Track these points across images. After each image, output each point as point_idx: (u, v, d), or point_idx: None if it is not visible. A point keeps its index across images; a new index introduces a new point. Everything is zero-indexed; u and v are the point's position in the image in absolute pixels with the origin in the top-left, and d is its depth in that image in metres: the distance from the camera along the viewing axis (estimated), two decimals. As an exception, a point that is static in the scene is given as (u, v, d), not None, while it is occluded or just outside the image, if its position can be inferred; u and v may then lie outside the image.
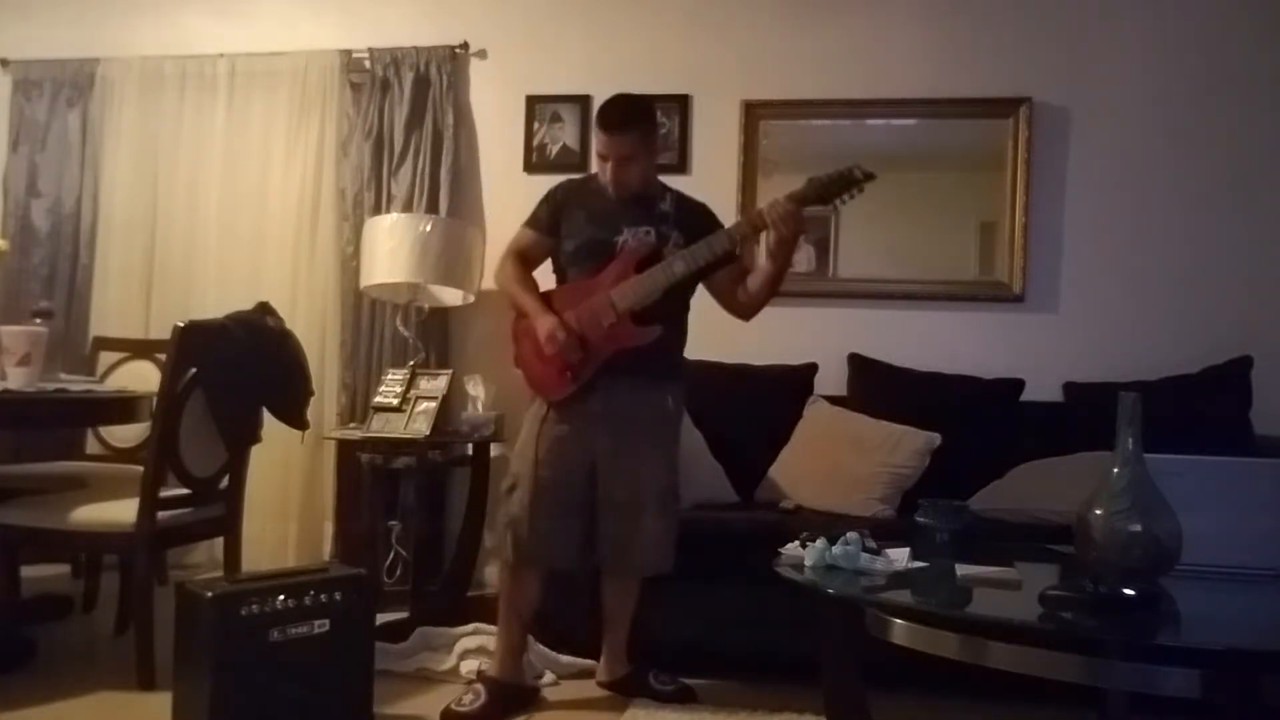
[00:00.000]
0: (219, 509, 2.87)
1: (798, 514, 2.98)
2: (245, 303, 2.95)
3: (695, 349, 3.33)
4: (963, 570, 1.98)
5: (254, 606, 2.16)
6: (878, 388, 3.41)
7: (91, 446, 3.46)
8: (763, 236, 2.55)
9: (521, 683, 2.61)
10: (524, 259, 2.66)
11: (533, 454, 2.51)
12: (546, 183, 2.75)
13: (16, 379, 2.62)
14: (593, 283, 2.52)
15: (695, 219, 2.61)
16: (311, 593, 2.24)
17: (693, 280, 2.56)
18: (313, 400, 3.06)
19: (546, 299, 2.58)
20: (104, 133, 4.10)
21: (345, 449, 3.48)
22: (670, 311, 2.56)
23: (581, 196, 2.63)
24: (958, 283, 3.61)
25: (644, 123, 2.56)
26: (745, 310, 2.64)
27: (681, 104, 3.78)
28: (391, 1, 3.99)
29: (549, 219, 2.63)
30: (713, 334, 3.26)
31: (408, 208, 3.80)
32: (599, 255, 2.54)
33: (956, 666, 1.73)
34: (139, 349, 3.53)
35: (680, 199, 2.64)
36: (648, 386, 2.56)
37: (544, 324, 2.50)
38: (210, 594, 2.15)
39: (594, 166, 2.68)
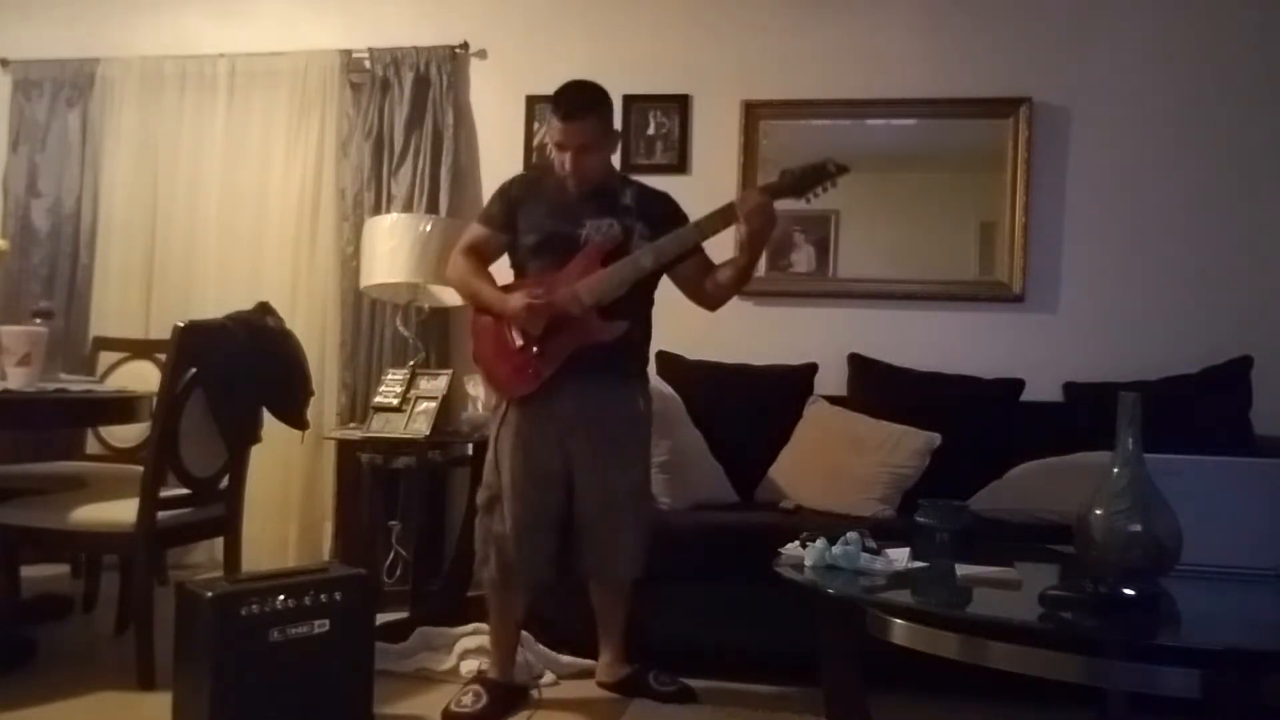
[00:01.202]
0: (219, 509, 2.86)
1: (798, 514, 2.98)
2: (245, 303, 2.95)
3: (695, 349, 3.36)
4: (963, 570, 1.98)
5: (254, 606, 2.15)
6: (878, 388, 3.41)
7: (91, 446, 3.46)
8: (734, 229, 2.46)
9: (516, 683, 2.61)
10: (477, 255, 2.59)
11: (506, 465, 2.47)
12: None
13: (16, 379, 2.62)
14: (556, 277, 2.46)
15: (658, 209, 2.56)
16: (311, 593, 2.23)
17: (657, 273, 2.53)
18: (313, 400, 3.06)
19: (506, 292, 2.51)
20: (104, 133, 4.11)
21: (345, 449, 3.48)
22: (635, 306, 2.52)
23: (539, 190, 2.58)
24: (958, 283, 3.61)
25: (601, 109, 2.50)
26: (712, 301, 2.58)
27: (681, 104, 3.79)
28: (391, 1, 4.00)
29: (503, 215, 2.57)
30: (713, 334, 3.27)
31: (408, 208, 3.80)
32: (562, 249, 2.48)
33: (956, 666, 1.73)
34: (139, 349, 3.53)
35: (641, 190, 2.60)
36: (618, 386, 2.52)
37: (513, 302, 2.43)
38: (210, 594, 2.14)
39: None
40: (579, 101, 2.46)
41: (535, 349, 2.45)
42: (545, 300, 2.41)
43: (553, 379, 2.45)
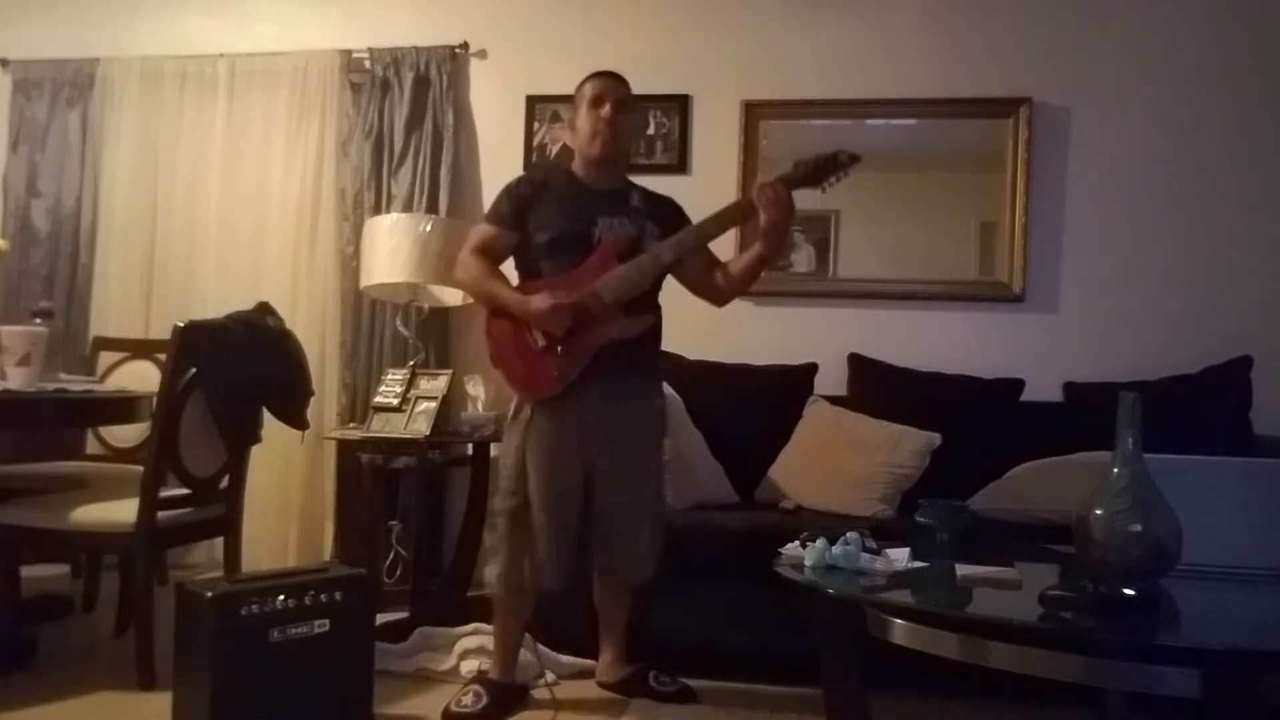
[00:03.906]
0: (219, 509, 2.86)
1: (798, 514, 2.98)
2: (245, 303, 2.95)
3: (695, 349, 3.36)
4: (963, 570, 1.98)
5: (254, 606, 2.15)
6: (878, 388, 3.41)
7: (91, 446, 3.46)
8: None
9: (517, 683, 2.61)
10: (487, 255, 2.56)
11: (532, 470, 2.44)
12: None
13: (16, 379, 2.61)
14: (572, 276, 2.44)
15: (666, 211, 2.58)
16: (311, 593, 2.23)
17: (664, 270, 2.52)
18: (313, 400, 3.06)
19: (523, 293, 2.49)
20: (104, 133, 4.10)
21: (345, 449, 3.48)
22: (651, 304, 2.53)
23: (548, 189, 2.57)
24: (958, 283, 3.61)
25: (633, 95, 2.58)
26: (724, 295, 2.58)
27: (681, 104, 3.78)
28: (391, 1, 3.99)
29: (513, 214, 2.54)
30: (713, 334, 3.27)
31: (408, 208, 3.80)
32: (575, 247, 2.47)
33: (956, 666, 1.73)
34: (139, 349, 3.53)
35: (647, 194, 2.60)
36: (637, 387, 2.52)
37: (536, 303, 2.39)
38: (210, 594, 2.14)
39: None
40: (614, 72, 2.57)
41: (559, 349, 2.43)
42: (571, 301, 2.39)
43: (575, 379, 2.44)
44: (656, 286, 2.55)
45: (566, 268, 2.47)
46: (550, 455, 2.45)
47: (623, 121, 2.53)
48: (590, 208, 2.50)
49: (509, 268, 2.62)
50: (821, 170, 2.42)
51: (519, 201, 2.55)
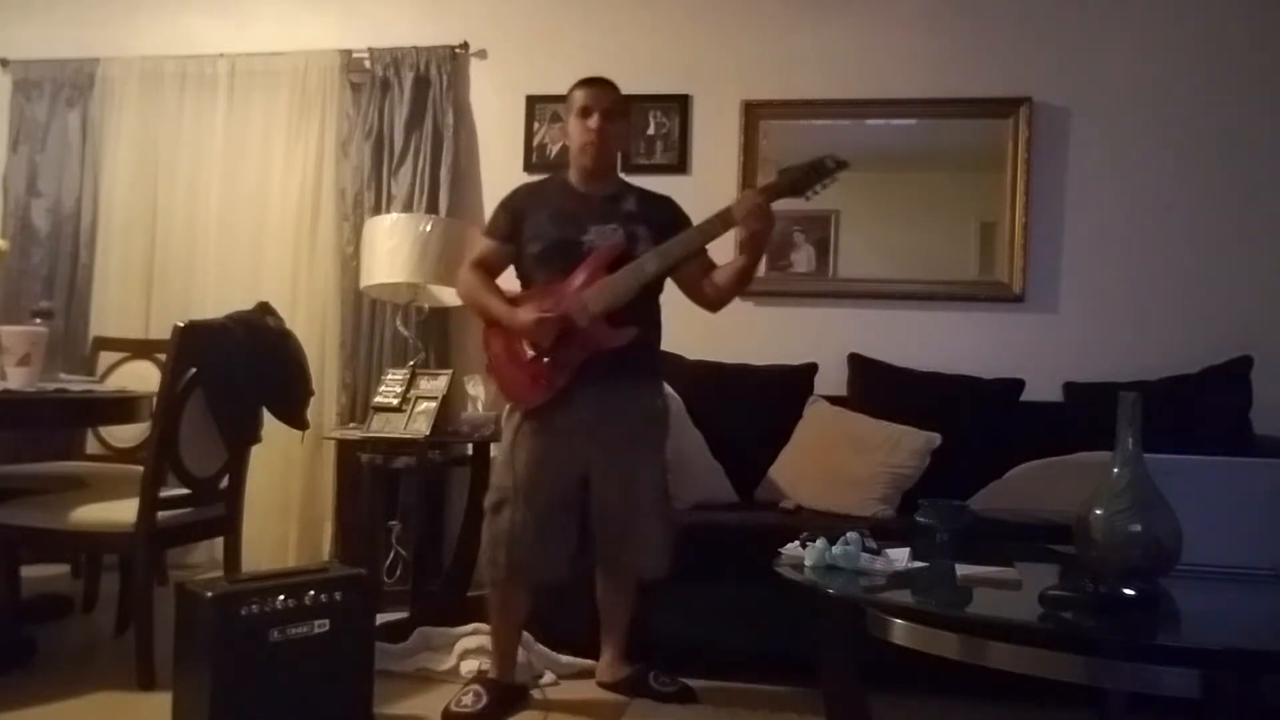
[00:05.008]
0: (219, 509, 2.86)
1: (798, 514, 2.98)
2: (245, 303, 2.95)
3: (695, 349, 3.36)
4: (963, 570, 1.98)
5: (254, 606, 2.15)
6: (878, 388, 3.41)
7: (91, 446, 3.46)
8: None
9: (516, 683, 2.61)
10: (484, 268, 2.59)
11: (520, 466, 2.46)
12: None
13: (16, 379, 2.62)
14: (562, 285, 2.46)
15: (661, 214, 2.57)
16: (311, 593, 2.23)
17: (661, 276, 2.52)
18: (313, 400, 3.06)
19: (514, 304, 2.51)
20: (104, 133, 4.11)
21: (345, 449, 3.48)
22: (644, 309, 2.52)
23: (541, 198, 2.58)
24: (958, 283, 3.61)
25: (623, 100, 2.57)
26: (714, 303, 2.58)
27: (681, 104, 3.79)
28: (391, 1, 4.00)
29: (508, 226, 2.57)
30: (713, 334, 3.27)
31: (408, 208, 3.80)
32: (566, 257, 2.48)
33: (956, 666, 1.73)
34: (139, 349, 3.53)
35: (643, 195, 2.61)
36: (633, 389, 2.52)
37: (522, 316, 2.43)
38: (210, 594, 2.14)
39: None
40: (603, 79, 2.56)
41: (547, 359, 2.45)
42: (554, 313, 2.41)
43: (567, 386, 2.45)
44: (652, 293, 2.55)
45: (558, 277, 2.49)
46: (538, 455, 2.46)
47: (612, 130, 2.53)
48: (582, 216, 2.51)
49: (511, 276, 2.64)
50: (806, 178, 2.40)
51: (513, 214, 2.58)
